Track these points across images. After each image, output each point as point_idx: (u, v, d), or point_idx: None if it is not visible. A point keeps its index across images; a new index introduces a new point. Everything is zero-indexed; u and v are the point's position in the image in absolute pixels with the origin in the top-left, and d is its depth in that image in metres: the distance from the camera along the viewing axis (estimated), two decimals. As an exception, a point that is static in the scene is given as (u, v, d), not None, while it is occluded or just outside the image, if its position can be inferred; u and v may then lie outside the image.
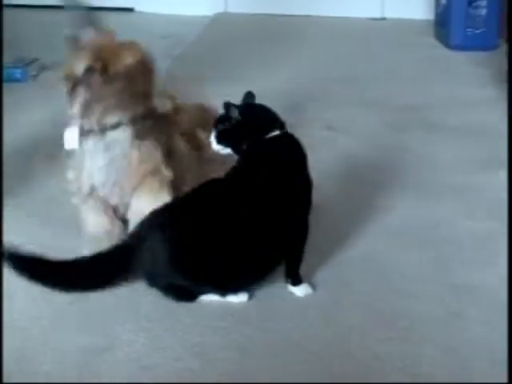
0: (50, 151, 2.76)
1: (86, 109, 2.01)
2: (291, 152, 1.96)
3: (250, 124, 1.97)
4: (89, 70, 1.98)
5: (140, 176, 2.08)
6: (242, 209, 1.88)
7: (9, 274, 1.87)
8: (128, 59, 2.02)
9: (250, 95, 2.04)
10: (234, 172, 1.96)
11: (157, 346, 1.75)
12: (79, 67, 1.99)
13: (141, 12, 5.36)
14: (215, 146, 2.00)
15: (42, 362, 1.70)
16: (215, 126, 2.00)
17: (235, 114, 1.95)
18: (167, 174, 2.11)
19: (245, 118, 1.95)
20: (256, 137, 1.95)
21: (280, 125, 1.97)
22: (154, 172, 2.10)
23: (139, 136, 2.06)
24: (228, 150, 2.00)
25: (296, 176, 1.94)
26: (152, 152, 2.09)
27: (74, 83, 2.00)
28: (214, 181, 1.97)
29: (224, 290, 1.91)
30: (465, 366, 1.71)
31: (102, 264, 1.91)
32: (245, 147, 1.96)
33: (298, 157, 1.96)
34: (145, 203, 2.04)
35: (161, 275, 1.88)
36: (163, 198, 2.05)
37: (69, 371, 1.67)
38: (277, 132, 1.96)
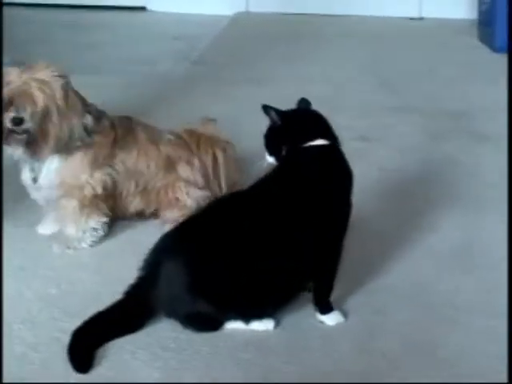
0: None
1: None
2: (331, 166, 1.95)
3: (290, 129, 1.97)
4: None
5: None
6: (268, 226, 1.87)
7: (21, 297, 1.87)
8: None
9: (304, 101, 2.04)
10: (263, 183, 1.96)
11: (172, 380, 1.74)
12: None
13: (153, 11, 5.40)
14: (268, 157, 2.01)
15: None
16: (265, 136, 2.02)
17: (274, 117, 1.96)
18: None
19: (285, 122, 1.96)
20: (295, 144, 1.95)
21: (326, 134, 1.96)
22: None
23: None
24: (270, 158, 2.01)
25: (333, 194, 1.93)
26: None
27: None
28: (236, 194, 1.97)
29: (249, 315, 1.90)
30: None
31: (119, 314, 1.90)
32: (284, 154, 1.97)
33: (338, 173, 1.95)
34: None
35: (180, 303, 1.87)
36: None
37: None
38: (320, 141, 1.95)
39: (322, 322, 1.94)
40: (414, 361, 1.81)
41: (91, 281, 2.11)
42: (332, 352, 1.84)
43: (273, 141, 1.99)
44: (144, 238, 2.11)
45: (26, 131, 2.17)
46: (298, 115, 2.01)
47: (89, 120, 2.25)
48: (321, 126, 1.98)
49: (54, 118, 2.18)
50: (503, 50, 4.35)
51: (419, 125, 3.28)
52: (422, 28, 5.06)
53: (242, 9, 5.40)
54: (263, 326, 1.91)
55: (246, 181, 2.34)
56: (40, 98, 2.16)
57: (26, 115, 2.15)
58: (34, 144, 2.19)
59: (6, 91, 2.15)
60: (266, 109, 1.97)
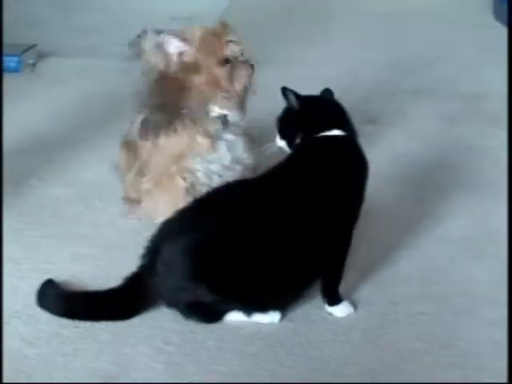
0: (49, 154, 2.81)
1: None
2: (345, 159, 1.96)
3: (307, 116, 1.98)
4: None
5: None
6: (276, 214, 1.88)
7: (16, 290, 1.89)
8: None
9: (327, 91, 2.06)
10: (275, 171, 1.97)
11: (176, 375, 1.75)
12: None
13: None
14: (278, 141, 2.03)
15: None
16: (278, 120, 2.04)
17: (293, 100, 1.97)
18: None
19: (303, 108, 1.98)
20: (310, 132, 1.96)
21: (343, 125, 1.97)
22: None
23: None
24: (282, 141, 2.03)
25: (345, 187, 1.94)
26: None
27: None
28: (245, 181, 1.99)
29: (253, 307, 1.91)
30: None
31: (118, 297, 1.93)
32: (298, 142, 1.98)
33: (351, 166, 1.96)
34: None
35: (181, 291, 1.87)
36: None
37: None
38: (336, 132, 1.96)
39: (330, 314, 1.96)
40: (428, 354, 1.82)
41: (91, 273, 2.12)
42: (342, 345, 1.85)
43: (287, 126, 2.01)
44: (145, 228, 2.11)
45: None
46: (317, 102, 2.03)
47: None
48: (339, 116, 2.00)
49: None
50: (521, 27, 4.34)
51: (433, 108, 3.28)
52: (434, 4, 5.02)
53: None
54: (268, 318, 1.92)
55: (256, 165, 2.36)
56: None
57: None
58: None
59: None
60: (285, 91, 1.99)
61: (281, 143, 2.04)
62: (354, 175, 1.96)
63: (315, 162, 1.95)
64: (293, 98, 1.98)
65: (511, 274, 2.02)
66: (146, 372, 1.76)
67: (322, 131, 1.96)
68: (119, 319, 1.91)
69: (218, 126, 2.28)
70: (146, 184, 2.33)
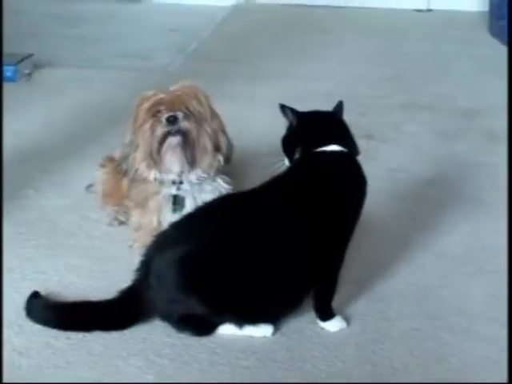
0: (45, 164, 2.81)
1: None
2: (342, 174, 1.97)
3: (305, 131, 1.99)
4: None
5: None
6: (270, 227, 1.89)
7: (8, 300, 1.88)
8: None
9: (339, 105, 2.07)
10: (270, 183, 1.97)
11: (168, 387, 1.75)
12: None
13: (148, 1, 5.40)
14: (287, 161, 2.03)
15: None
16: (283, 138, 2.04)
17: (290, 116, 1.98)
18: None
19: (301, 123, 1.98)
20: (308, 147, 1.97)
21: (341, 140, 1.98)
22: None
23: None
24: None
25: (340, 203, 1.94)
26: None
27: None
28: (239, 194, 2.00)
29: (245, 319, 1.91)
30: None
31: (112, 309, 1.94)
32: (296, 157, 1.99)
33: (348, 180, 1.96)
34: None
35: (173, 303, 1.88)
36: None
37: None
38: (334, 147, 1.96)
39: (323, 329, 1.95)
40: (422, 370, 1.82)
41: (84, 284, 2.12)
42: (335, 360, 1.85)
43: (288, 142, 2.01)
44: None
45: (180, 131, 2.18)
46: (316, 118, 2.03)
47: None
48: (337, 132, 2.00)
49: (206, 126, 2.22)
50: (516, 44, 4.36)
51: (429, 123, 3.29)
52: (430, 20, 5.05)
53: (241, 0, 5.41)
54: (261, 332, 1.92)
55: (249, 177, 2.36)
56: (192, 103, 2.20)
57: (179, 115, 2.17)
58: (190, 150, 2.20)
59: (156, 100, 2.20)
60: (283, 108, 1.99)
61: (288, 162, 2.04)
62: (350, 191, 1.96)
63: (311, 176, 1.96)
64: (290, 114, 1.99)
65: (511, 287, 2.01)
66: (137, 384, 1.76)
67: (320, 146, 1.96)
68: (113, 330, 1.91)
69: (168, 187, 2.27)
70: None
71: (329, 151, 1.96)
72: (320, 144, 1.97)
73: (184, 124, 2.18)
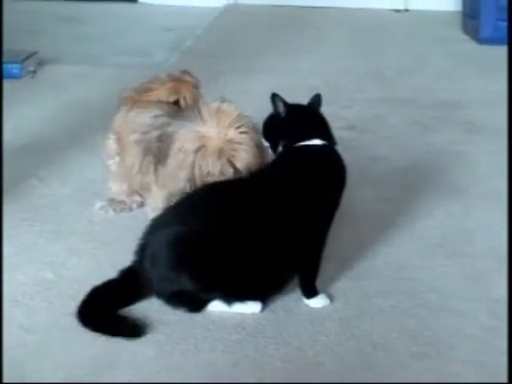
0: (49, 156, 2.80)
1: None
2: (324, 165, 1.96)
3: (291, 125, 1.99)
4: None
5: None
6: (259, 211, 1.89)
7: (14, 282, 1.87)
8: None
9: (317, 97, 2.06)
10: (259, 173, 1.98)
11: (165, 364, 1.75)
12: None
13: (144, 3, 5.38)
14: (264, 140, 2.04)
15: (42, 371, 1.71)
16: (265, 122, 2.04)
17: (281, 108, 1.97)
18: None
19: (288, 116, 1.98)
20: (293, 140, 1.97)
21: (323, 135, 1.98)
22: None
23: None
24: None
25: (322, 192, 1.94)
26: None
27: None
28: (228, 181, 1.99)
29: (234, 296, 1.91)
30: (499, 377, 1.70)
31: (114, 289, 1.94)
32: (281, 148, 1.98)
33: (328, 171, 1.97)
34: None
35: (166, 281, 1.88)
36: None
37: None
38: (316, 141, 1.96)
39: (308, 306, 1.96)
40: (399, 344, 1.83)
41: (85, 266, 2.12)
42: (319, 335, 1.86)
43: (272, 131, 2.01)
44: (139, 225, 2.09)
45: None
46: (302, 112, 2.02)
47: None
48: (318, 126, 2.00)
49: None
50: (488, 41, 4.36)
51: (408, 115, 3.29)
52: (408, 20, 5.05)
53: (231, 1, 5.39)
54: (249, 308, 1.92)
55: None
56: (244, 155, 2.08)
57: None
58: None
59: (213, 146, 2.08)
60: (274, 97, 1.99)
61: (265, 144, 2.05)
62: (331, 181, 1.97)
63: (295, 167, 1.96)
64: (281, 105, 1.99)
65: (511, 286, 2.01)
66: (137, 359, 1.76)
67: (303, 140, 1.96)
68: (117, 309, 1.90)
69: None
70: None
71: (311, 145, 1.96)
72: (303, 138, 1.97)
73: None
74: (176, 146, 2.11)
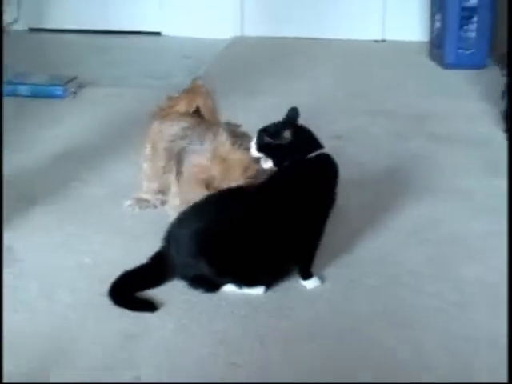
0: (88, 162, 2.79)
1: None
2: (322, 172, 1.94)
3: (298, 146, 1.92)
4: None
5: None
6: (268, 211, 1.87)
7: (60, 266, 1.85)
8: None
9: (294, 110, 1.98)
10: (268, 181, 1.94)
11: (184, 334, 1.74)
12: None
13: (167, 36, 5.37)
14: (254, 152, 1.96)
15: (81, 342, 1.70)
16: (260, 136, 1.95)
17: (288, 135, 1.90)
18: None
19: (295, 140, 1.91)
20: (300, 156, 1.92)
21: (317, 146, 1.94)
22: None
23: None
24: (268, 162, 1.95)
25: (321, 193, 1.92)
26: None
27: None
28: (245, 185, 1.97)
29: (243, 281, 1.89)
30: (463, 347, 1.69)
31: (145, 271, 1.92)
32: (287, 163, 1.93)
33: (326, 177, 1.94)
34: None
35: (188, 266, 1.87)
36: None
37: (104, 353, 1.66)
38: (317, 152, 1.93)
39: (304, 286, 1.94)
40: (381, 319, 1.81)
41: (117, 255, 2.10)
42: (312, 311, 1.84)
43: (280, 152, 1.93)
44: (162, 220, 2.08)
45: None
46: (302, 134, 1.94)
47: None
48: (316, 141, 1.95)
49: None
50: (451, 67, 4.37)
51: (385, 127, 3.27)
52: (385, 49, 5.03)
53: (238, 33, 5.38)
54: (255, 291, 1.90)
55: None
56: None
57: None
58: None
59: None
60: (284, 128, 1.91)
61: (257, 154, 1.97)
62: (328, 183, 1.94)
63: (297, 176, 1.92)
64: (287, 133, 1.90)
65: (511, 272, 1.94)
66: (160, 330, 1.75)
67: (309, 154, 1.92)
68: (146, 289, 1.89)
69: None
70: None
71: (314, 156, 1.93)
72: (309, 153, 1.92)
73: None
74: (192, 160, 2.10)
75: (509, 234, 2.17)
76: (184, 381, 1.58)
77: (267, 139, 1.91)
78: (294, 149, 1.92)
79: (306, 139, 1.95)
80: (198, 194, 1.99)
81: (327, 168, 1.94)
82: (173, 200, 2.21)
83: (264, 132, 1.93)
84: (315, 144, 1.94)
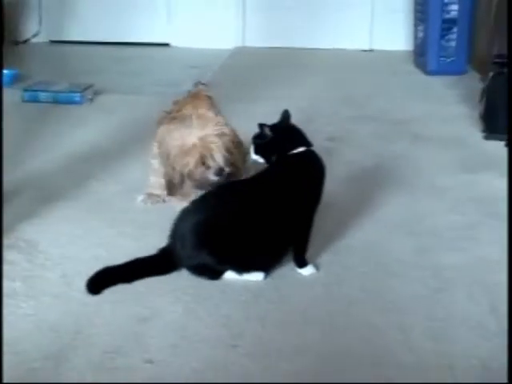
0: (104, 163, 2.79)
1: None
2: (309, 166, 1.93)
3: (279, 141, 1.94)
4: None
5: None
6: (261, 203, 1.86)
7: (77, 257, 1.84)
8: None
9: (286, 113, 2.00)
10: (260, 175, 1.95)
11: (191, 317, 1.74)
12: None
13: (175, 47, 5.37)
14: (253, 155, 1.99)
15: (97, 326, 1.69)
16: (253, 141, 1.98)
17: (267, 133, 1.93)
18: None
19: (275, 136, 1.93)
20: (283, 151, 1.93)
21: (305, 143, 1.94)
22: None
23: None
24: (262, 160, 1.98)
25: (309, 185, 1.92)
26: None
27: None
28: (240, 180, 1.96)
29: (242, 268, 1.88)
30: (444, 327, 1.69)
31: (155, 261, 1.92)
32: (274, 159, 1.95)
33: (313, 170, 1.94)
34: None
35: (191, 256, 1.86)
36: None
37: (118, 335, 1.66)
38: (301, 149, 1.93)
39: (300, 274, 1.94)
40: (370, 303, 1.81)
41: (131, 245, 2.10)
42: (307, 296, 1.84)
43: (265, 149, 1.95)
44: (171, 214, 2.07)
45: (227, 175, 2.12)
46: (283, 130, 1.96)
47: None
48: (300, 137, 1.95)
49: (234, 151, 2.15)
50: (433, 73, 4.37)
51: (373, 129, 3.26)
52: (372, 58, 5.04)
53: (240, 44, 5.39)
54: (255, 277, 1.90)
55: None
56: (220, 147, 2.09)
57: (222, 164, 2.08)
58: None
59: (192, 152, 2.08)
60: (262, 126, 1.93)
61: (255, 156, 1.99)
62: (315, 176, 1.93)
63: (287, 170, 1.92)
64: (267, 130, 1.93)
65: (511, 272, 1.89)
66: (169, 314, 1.75)
67: (291, 150, 1.93)
68: (155, 275, 1.89)
69: None
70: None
71: (300, 152, 1.93)
72: (292, 148, 1.93)
73: (227, 170, 2.13)
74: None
75: (509, 234, 2.14)
76: (191, 361, 1.58)
77: (266, 130, 1.92)
78: (277, 145, 1.93)
79: (290, 137, 1.95)
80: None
81: (311, 163, 1.93)
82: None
83: (264, 125, 1.94)
84: (300, 141, 1.94)
